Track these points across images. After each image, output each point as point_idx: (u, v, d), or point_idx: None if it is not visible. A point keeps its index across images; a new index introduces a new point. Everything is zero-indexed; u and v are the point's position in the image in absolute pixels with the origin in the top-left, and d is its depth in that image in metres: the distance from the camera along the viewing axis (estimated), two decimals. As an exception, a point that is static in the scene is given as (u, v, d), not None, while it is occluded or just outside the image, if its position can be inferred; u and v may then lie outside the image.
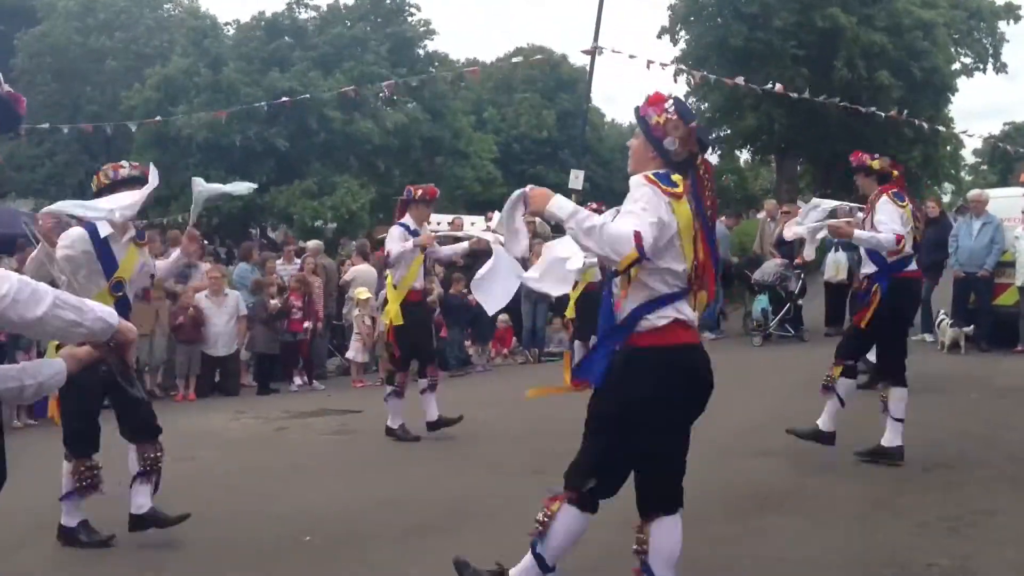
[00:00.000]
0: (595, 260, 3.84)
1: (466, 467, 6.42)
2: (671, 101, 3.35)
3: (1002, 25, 32.17)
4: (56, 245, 4.79)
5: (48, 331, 2.53)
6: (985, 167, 50.30)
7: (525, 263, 4.78)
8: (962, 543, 4.44)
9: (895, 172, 6.09)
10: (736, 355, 10.93)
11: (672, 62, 22.97)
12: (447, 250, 7.88)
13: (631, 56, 16.41)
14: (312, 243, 13.75)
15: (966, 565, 4.16)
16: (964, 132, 22.06)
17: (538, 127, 38.32)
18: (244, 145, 26.52)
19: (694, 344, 3.35)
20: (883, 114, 19.17)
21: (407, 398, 7.37)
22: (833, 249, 12.66)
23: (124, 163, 5.00)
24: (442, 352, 11.18)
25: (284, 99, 21.74)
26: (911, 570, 4.15)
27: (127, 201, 4.58)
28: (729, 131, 32.11)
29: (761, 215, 15.99)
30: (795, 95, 18.38)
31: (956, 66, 31.26)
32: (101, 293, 4.55)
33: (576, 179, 18.00)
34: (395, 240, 7.06)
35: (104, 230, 4.65)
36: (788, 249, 12.81)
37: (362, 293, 11.55)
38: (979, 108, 76.56)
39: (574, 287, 9.70)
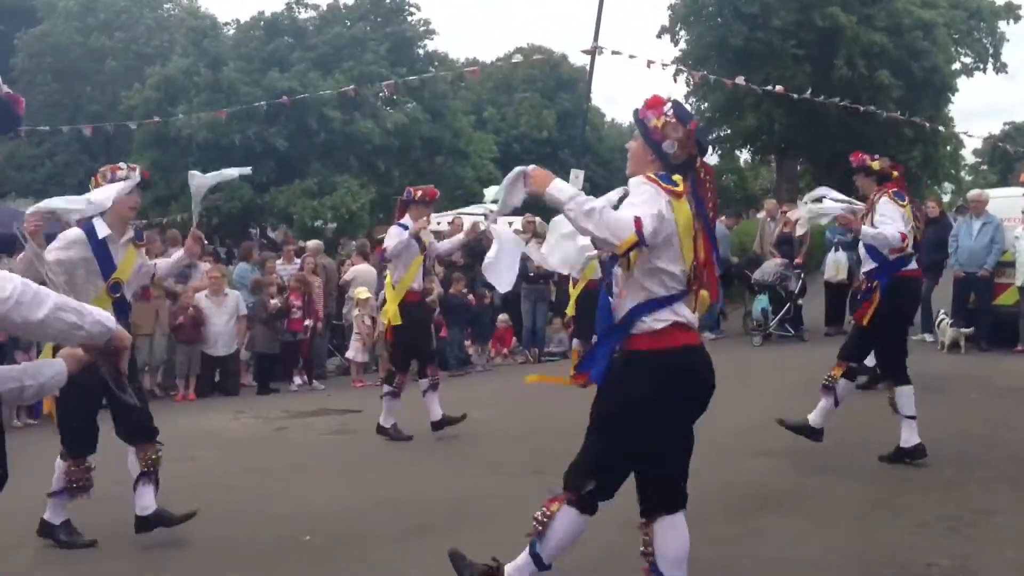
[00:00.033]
0: (595, 252, 3.85)
1: (466, 467, 6.42)
2: (670, 104, 3.35)
3: (1002, 25, 32.25)
4: (42, 245, 4.77)
5: (49, 333, 2.54)
6: (985, 167, 50.37)
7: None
8: (962, 543, 4.44)
9: (895, 172, 6.12)
10: (736, 355, 10.92)
11: (672, 62, 23.00)
12: (445, 244, 7.91)
13: (631, 56, 16.34)
14: (312, 243, 13.74)
15: (966, 565, 4.17)
16: (964, 132, 22.06)
17: (538, 127, 38.33)
18: (244, 145, 26.48)
19: (694, 346, 3.35)
20: (883, 114, 19.15)
21: (403, 399, 7.36)
22: (833, 249, 12.67)
23: (122, 165, 4.99)
24: (442, 352, 11.19)
25: (284, 99, 21.72)
26: (911, 570, 4.15)
27: (102, 195, 4.58)
28: (729, 131, 32.15)
29: (761, 215, 15.97)
30: (795, 95, 18.36)
31: (956, 66, 31.30)
32: (99, 294, 4.55)
33: (576, 179, 17.91)
34: (392, 238, 7.16)
35: (102, 231, 4.64)
36: (788, 249, 12.84)
37: (362, 293, 11.55)
38: (979, 108, 76.82)
39: (575, 285, 9.76)
